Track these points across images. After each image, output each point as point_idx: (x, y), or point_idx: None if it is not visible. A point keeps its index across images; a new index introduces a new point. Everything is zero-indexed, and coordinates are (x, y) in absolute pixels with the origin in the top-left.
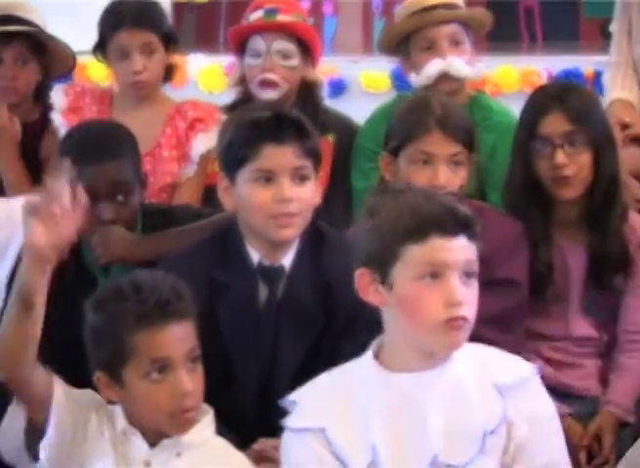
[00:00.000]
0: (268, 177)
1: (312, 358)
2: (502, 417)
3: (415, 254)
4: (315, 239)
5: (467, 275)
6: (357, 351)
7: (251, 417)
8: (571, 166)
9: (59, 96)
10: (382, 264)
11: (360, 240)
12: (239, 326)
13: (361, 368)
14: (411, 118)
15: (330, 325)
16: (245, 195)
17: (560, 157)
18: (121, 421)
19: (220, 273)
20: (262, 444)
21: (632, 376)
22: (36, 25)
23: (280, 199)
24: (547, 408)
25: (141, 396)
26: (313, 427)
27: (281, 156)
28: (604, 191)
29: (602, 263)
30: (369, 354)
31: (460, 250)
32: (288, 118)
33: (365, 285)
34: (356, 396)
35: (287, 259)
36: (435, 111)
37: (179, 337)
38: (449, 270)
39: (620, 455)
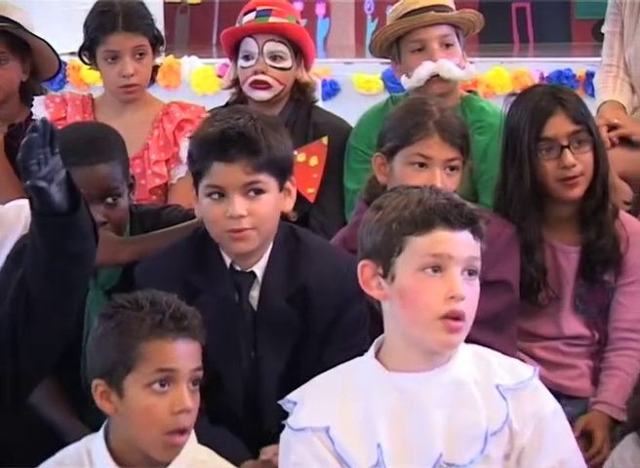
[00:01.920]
0: (220, 193)
1: (297, 361)
2: (506, 420)
3: (418, 246)
4: (290, 243)
5: (469, 273)
6: (335, 357)
7: (238, 421)
8: (578, 165)
9: (40, 109)
10: (386, 255)
11: (365, 232)
12: (215, 330)
13: (362, 367)
14: (410, 120)
15: (309, 328)
16: (202, 208)
17: (569, 157)
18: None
19: (196, 276)
20: (267, 452)
21: (623, 375)
22: (17, 24)
23: (230, 216)
24: (551, 408)
25: (140, 407)
26: (316, 426)
27: (229, 174)
28: (602, 188)
29: (595, 259)
30: (370, 353)
31: (464, 244)
32: (235, 135)
33: (367, 278)
34: (358, 396)
35: (259, 266)
36: (435, 115)
37: (187, 353)
38: (451, 263)
39: None
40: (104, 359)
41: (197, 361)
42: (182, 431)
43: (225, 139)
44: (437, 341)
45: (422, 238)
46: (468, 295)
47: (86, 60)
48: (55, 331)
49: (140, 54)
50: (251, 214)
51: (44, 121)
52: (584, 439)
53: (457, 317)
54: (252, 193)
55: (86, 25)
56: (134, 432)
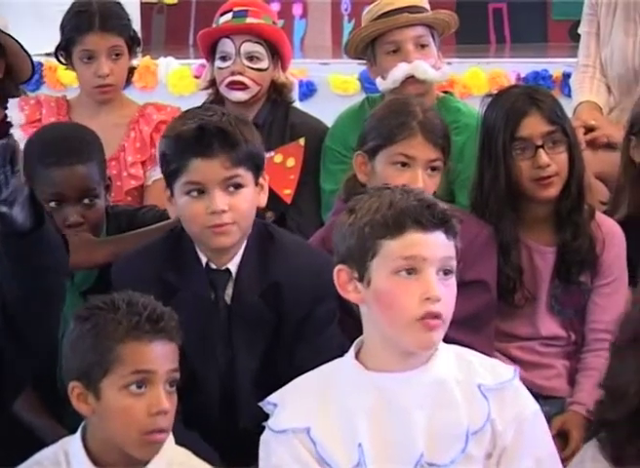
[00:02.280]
0: (200, 190)
1: (272, 358)
2: (487, 419)
3: (391, 249)
4: (263, 240)
5: (445, 273)
6: (306, 354)
7: (214, 419)
8: (553, 165)
9: (14, 111)
10: (360, 260)
11: (339, 237)
12: (192, 329)
13: (342, 368)
14: (393, 120)
15: (283, 324)
16: (181, 207)
17: (543, 157)
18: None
19: (172, 275)
20: None
21: (599, 376)
22: None
23: (212, 211)
24: (532, 409)
25: (117, 409)
26: (297, 427)
27: (209, 169)
28: (577, 189)
29: (570, 259)
30: (350, 354)
31: (438, 245)
32: (214, 130)
33: (343, 282)
34: (339, 396)
35: (233, 263)
36: (418, 115)
37: (164, 355)
38: (426, 265)
39: None
40: (81, 361)
41: (174, 362)
42: (161, 431)
43: (204, 135)
44: (415, 342)
45: (395, 241)
46: (444, 296)
47: (62, 60)
48: (37, 339)
49: (117, 54)
50: (231, 208)
51: (3, 145)
52: (561, 439)
53: (434, 316)
54: (231, 188)
55: (62, 25)
56: (111, 433)
